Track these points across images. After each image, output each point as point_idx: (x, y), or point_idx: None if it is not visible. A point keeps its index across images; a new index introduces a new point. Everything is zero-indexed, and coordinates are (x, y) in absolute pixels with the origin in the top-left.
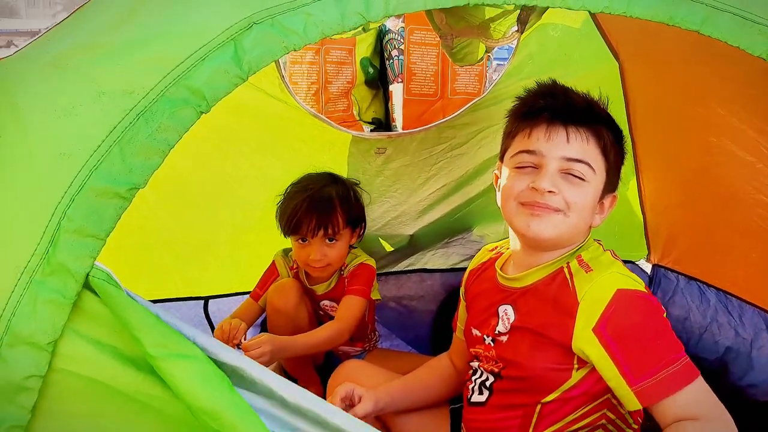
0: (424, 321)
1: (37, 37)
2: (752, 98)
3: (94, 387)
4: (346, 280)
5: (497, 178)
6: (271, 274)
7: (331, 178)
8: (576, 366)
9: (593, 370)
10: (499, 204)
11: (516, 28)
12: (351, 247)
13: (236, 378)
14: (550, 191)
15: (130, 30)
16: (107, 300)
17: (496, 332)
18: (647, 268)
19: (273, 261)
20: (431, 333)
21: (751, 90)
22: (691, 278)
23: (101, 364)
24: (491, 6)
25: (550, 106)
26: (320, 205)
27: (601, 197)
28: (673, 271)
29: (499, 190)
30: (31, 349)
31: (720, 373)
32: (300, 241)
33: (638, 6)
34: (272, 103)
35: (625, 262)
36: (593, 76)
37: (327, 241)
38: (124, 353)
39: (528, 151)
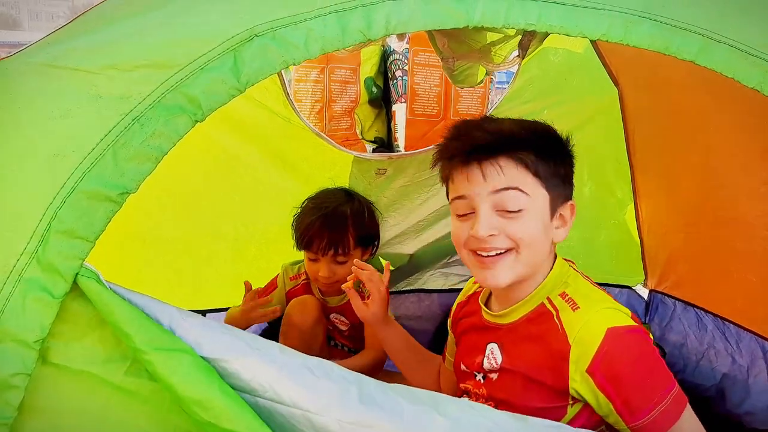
0: (421, 341)
1: (38, 40)
2: (752, 125)
3: (81, 382)
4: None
5: None
6: (270, 286)
7: (347, 196)
8: (570, 402)
9: (588, 404)
10: None
11: (517, 53)
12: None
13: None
14: (491, 235)
15: (130, 35)
16: (95, 299)
17: (485, 368)
18: (644, 293)
19: (277, 275)
20: None
21: (751, 117)
22: (688, 304)
23: (88, 359)
24: (491, 30)
25: (458, 149)
26: (333, 225)
27: (555, 211)
28: (670, 296)
29: None
30: (19, 347)
31: (717, 401)
32: (311, 257)
33: (635, 35)
34: (276, 120)
35: (622, 287)
36: (593, 101)
37: (337, 260)
38: (111, 349)
39: (459, 197)
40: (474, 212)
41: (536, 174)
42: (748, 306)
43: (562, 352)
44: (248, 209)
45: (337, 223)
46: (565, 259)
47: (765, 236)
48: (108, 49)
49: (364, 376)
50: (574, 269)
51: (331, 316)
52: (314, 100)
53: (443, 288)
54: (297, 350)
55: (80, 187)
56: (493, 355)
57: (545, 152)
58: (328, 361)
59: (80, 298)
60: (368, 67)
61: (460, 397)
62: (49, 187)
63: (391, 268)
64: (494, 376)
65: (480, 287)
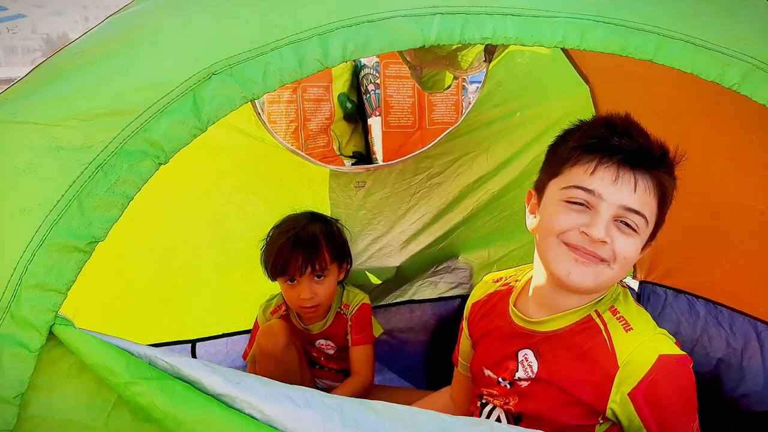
0: (416, 352)
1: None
2: (726, 112)
3: (67, 429)
4: (350, 325)
5: (530, 197)
6: (255, 330)
7: (313, 216)
8: (600, 421)
9: (615, 424)
10: (530, 229)
11: (484, 58)
12: (340, 284)
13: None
14: (602, 241)
15: (87, 85)
16: (73, 344)
17: (516, 378)
18: (635, 285)
19: (256, 319)
20: (424, 364)
21: (721, 103)
22: (679, 291)
23: (70, 408)
24: (446, 45)
25: (625, 147)
26: (305, 243)
27: (647, 245)
28: (661, 285)
29: (535, 217)
30: None
31: (714, 386)
32: (288, 282)
33: (591, 39)
34: (250, 141)
35: None
36: (565, 100)
37: (315, 278)
38: (92, 394)
39: (586, 190)
40: (591, 209)
41: (661, 209)
42: (739, 288)
43: (607, 372)
44: (229, 235)
45: (309, 240)
46: None
47: (752, 217)
48: (66, 101)
49: (346, 399)
50: (622, 285)
51: (317, 343)
52: (289, 120)
53: (434, 297)
54: (276, 378)
55: (48, 240)
56: (528, 363)
57: (674, 192)
58: (309, 389)
59: (58, 347)
60: (340, 83)
61: (476, 402)
62: (18, 242)
63: (378, 282)
64: (524, 384)
65: (505, 285)
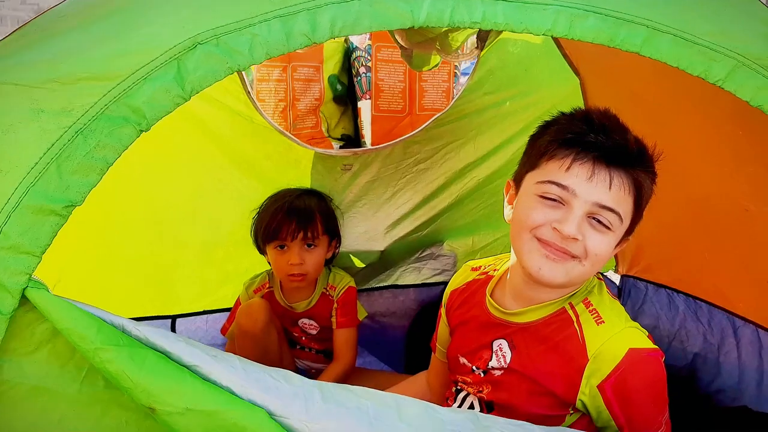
0: (397, 337)
1: None
2: (712, 109)
3: (36, 398)
4: (336, 307)
5: (509, 188)
6: (235, 309)
7: (308, 191)
8: (571, 411)
9: (585, 416)
10: (507, 219)
11: (476, 44)
12: (327, 263)
13: None
14: (573, 238)
15: (71, 49)
16: (46, 307)
17: (489, 366)
18: (616, 279)
19: (238, 297)
20: (405, 349)
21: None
22: (660, 286)
23: (41, 374)
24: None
25: (601, 144)
26: (300, 209)
27: (622, 242)
28: (642, 280)
29: (512, 208)
30: None
31: (689, 381)
32: (278, 248)
33: (579, 29)
34: (237, 120)
35: None
36: (555, 91)
37: (306, 246)
38: (65, 361)
39: (560, 185)
40: (565, 205)
41: (637, 207)
42: (720, 283)
43: (578, 364)
44: (213, 212)
45: (304, 207)
46: None
47: (737, 214)
48: (49, 64)
49: (324, 382)
50: (597, 277)
51: (300, 322)
52: (278, 99)
53: (417, 282)
54: (254, 358)
55: (24, 202)
56: (502, 353)
57: (652, 188)
58: (287, 371)
59: (30, 312)
60: (331, 64)
61: (452, 388)
62: None
63: (362, 265)
64: (497, 373)
65: (483, 274)
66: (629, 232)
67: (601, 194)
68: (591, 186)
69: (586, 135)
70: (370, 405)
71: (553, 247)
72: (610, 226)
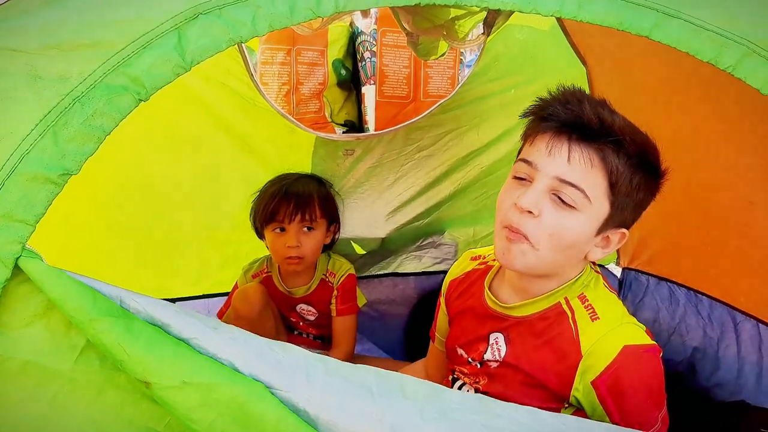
0: (396, 325)
1: None
2: (719, 99)
3: (28, 373)
4: (336, 294)
5: None
6: (233, 293)
7: (307, 176)
8: (565, 405)
9: (580, 410)
10: None
11: (482, 31)
12: (327, 249)
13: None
14: (529, 211)
15: (71, 16)
16: (39, 277)
17: (485, 358)
18: (617, 271)
19: (236, 281)
20: (404, 337)
21: (714, 91)
22: (661, 279)
23: (35, 349)
24: (445, 5)
25: (556, 115)
26: (299, 192)
27: (604, 230)
28: (643, 273)
29: None
30: None
31: (688, 375)
32: (277, 231)
33: (588, 11)
34: (240, 102)
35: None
36: (560, 79)
37: (304, 229)
38: (60, 337)
39: (526, 161)
40: (531, 182)
41: (613, 185)
42: (721, 277)
43: (571, 360)
44: (214, 194)
45: (302, 189)
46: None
47: (740, 207)
48: (48, 30)
49: (328, 357)
50: (595, 270)
51: (298, 307)
52: (281, 83)
53: (417, 271)
54: None
55: (19, 169)
56: (498, 346)
57: (637, 169)
58: (290, 344)
59: (24, 283)
60: (336, 48)
61: (449, 376)
62: None
63: (363, 252)
64: (493, 365)
65: (482, 264)
66: (619, 221)
67: (560, 167)
68: (550, 159)
69: (547, 108)
70: (373, 381)
71: (510, 228)
72: (574, 205)
